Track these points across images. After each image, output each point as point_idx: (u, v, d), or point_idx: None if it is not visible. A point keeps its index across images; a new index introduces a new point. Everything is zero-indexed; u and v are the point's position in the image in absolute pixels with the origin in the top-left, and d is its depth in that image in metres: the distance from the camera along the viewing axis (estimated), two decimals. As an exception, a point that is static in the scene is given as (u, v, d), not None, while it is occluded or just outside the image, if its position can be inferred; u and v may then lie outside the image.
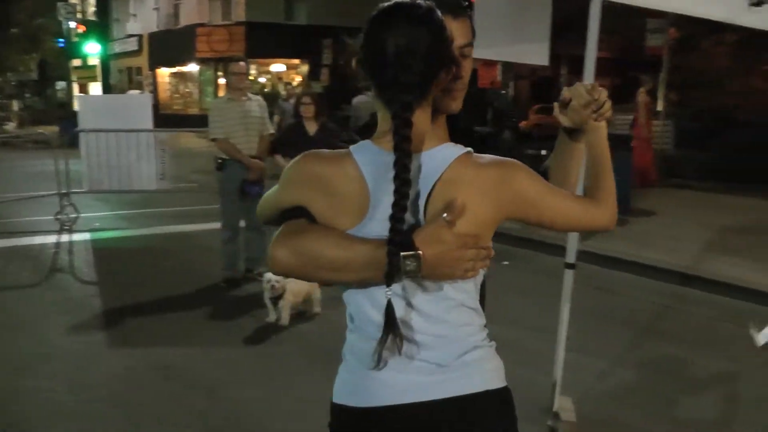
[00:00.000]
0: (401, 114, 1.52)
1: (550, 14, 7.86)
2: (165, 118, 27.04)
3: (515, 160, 1.64)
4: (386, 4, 1.58)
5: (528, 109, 25.18)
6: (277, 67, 32.62)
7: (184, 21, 33.40)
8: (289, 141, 6.97)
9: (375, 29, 1.56)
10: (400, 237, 1.49)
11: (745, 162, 14.08)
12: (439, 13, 1.56)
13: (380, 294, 1.57)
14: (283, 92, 25.29)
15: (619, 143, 9.13)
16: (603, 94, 1.78)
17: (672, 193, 12.64)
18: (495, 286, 7.32)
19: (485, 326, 1.71)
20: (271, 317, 5.88)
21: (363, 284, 1.61)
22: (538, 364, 4.53)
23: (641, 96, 12.19)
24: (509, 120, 13.30)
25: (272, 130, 7.33)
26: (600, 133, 1.81)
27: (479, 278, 1.65)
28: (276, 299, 5.85)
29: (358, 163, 1.59)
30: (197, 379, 4.80)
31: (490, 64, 18.32)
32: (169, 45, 33.69)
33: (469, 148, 1.61)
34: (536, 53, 8.04)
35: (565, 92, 1.83)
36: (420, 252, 1.50)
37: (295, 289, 5.86)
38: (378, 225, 1.55)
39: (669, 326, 6.19)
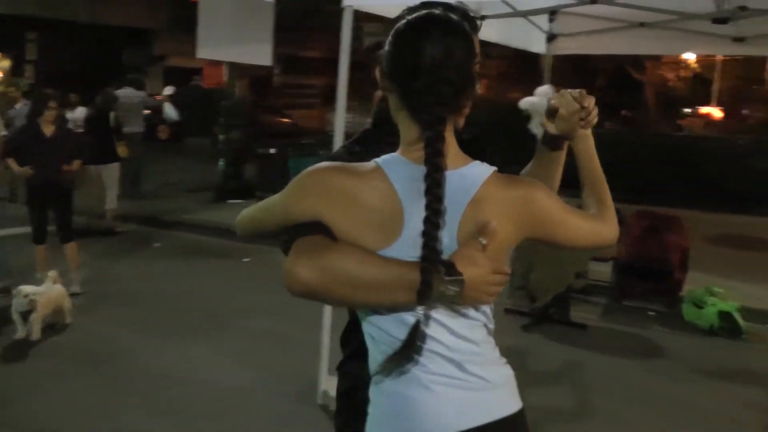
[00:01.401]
0: (435, 127, 1.45)
1: (273, 16, 8.12)
2: None
3: (537, 180, 1.62)
4: (418, 13, 1.52)
5: (258, 108, 25.27)
6: (-26, 60, 29.69)
7: None
8: (24, 144, 6.49)
9: (409, 38, 1.50)
10: (435, 255, 1.42)
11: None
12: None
13: (408, 315, 1.50)
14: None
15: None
16: (591, 101, 1.76)
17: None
18: (247, 284, 7.33)
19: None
20: (21, 333, 5.53)
21: (390, 307, 1.50)
22: (306, 351, 4.73)
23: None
24: (240, 120, 13.25)
25: (4, 132, 6.86)
26: (588, 141, 1.80)
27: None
28: (26, 314, 5.53)
29: (389, 178, 1.49)
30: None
31: (215, 63, 18.11)
32: None
33: (495, 167, 1.56)
34: (260, 54, 8.30)
35: (553, 101, 1.79)
36: (463, 277, 1.42)
37: (44, 301, 5.59)
38: (412, 243, 1.45)
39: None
